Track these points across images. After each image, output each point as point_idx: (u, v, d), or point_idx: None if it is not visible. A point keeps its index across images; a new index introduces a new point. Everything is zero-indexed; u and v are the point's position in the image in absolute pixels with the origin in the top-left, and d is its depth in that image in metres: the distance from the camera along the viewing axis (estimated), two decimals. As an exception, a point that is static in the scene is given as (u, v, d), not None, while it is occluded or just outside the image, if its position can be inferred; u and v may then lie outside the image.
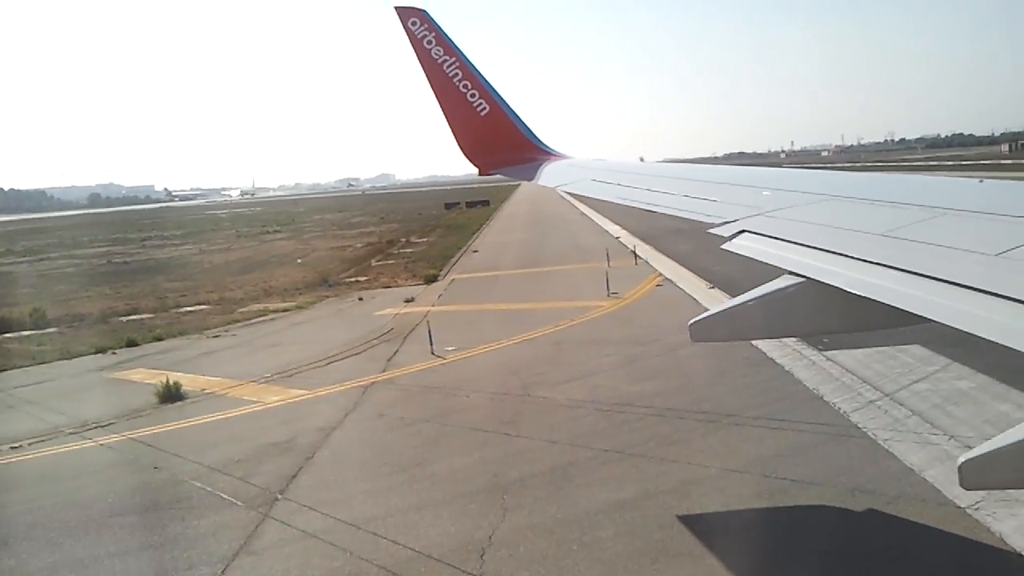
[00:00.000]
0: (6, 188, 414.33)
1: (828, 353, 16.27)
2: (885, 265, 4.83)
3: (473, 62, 12.21)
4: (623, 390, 15.90)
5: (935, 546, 9.00)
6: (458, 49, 12.09)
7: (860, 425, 12.61)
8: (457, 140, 12.48)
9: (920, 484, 10.30)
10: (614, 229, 50.48)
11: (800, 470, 11.09)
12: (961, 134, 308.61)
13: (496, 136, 12.46)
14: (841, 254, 5.29)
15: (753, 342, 16.41)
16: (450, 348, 20.91)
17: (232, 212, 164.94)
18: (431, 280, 36.41)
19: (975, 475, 3.41)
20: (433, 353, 20.36)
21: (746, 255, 6.14)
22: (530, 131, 13.05)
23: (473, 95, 12.15)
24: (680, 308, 23.01)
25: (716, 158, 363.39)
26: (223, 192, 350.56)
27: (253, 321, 28.96)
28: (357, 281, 38.39)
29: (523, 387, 16.71)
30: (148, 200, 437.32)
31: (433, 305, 28.78)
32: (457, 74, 12.05)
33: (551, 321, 23.33)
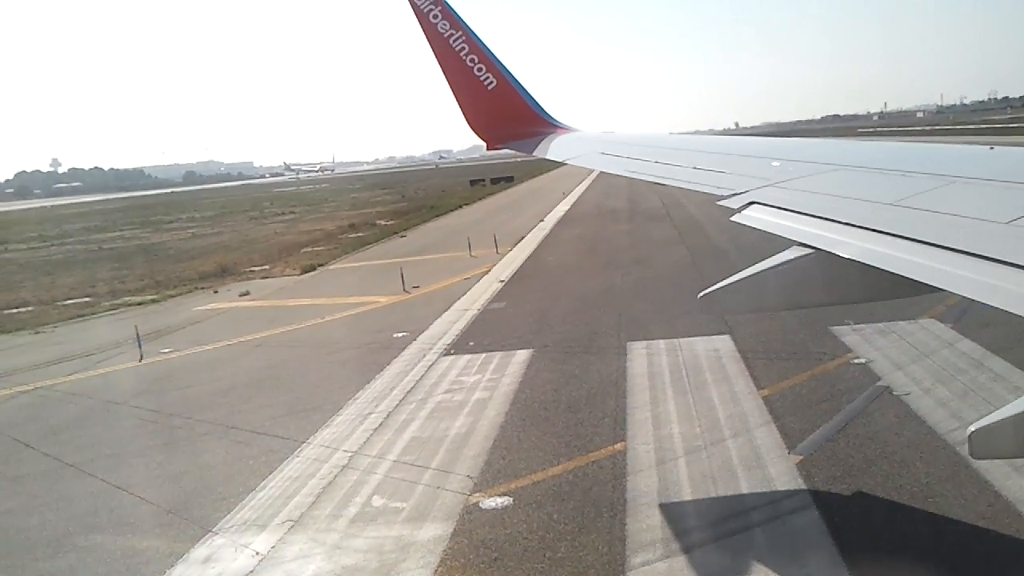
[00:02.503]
0: (106, 168, 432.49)
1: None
2: (895, 235, 4.81)
3: (480, 35, 12.04)
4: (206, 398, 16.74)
5: None
6: (464, 23, 11.93)
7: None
8: (464, 115, 12.37)
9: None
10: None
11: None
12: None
13: (504, 110, 12.35)
14: (851, 224, 5.28)
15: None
16: (165, 350, 22.05)
17: (289, 190, 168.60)
18: (308, 270, 37.45)
19: (984, 444, 3.43)
20: (141, 358, 21.39)
21: (755, 227, 6.09)
22: (538, 104, 12.90)
23: (480, 69, 12.07)
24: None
25: (813, 121, 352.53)
26: (303, 168, 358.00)
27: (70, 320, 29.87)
28: (252, 271, 39.59)
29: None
30: (240, 177, 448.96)
31: (262, 299, 29.79)
32: (464, 48, 11.94)
33: (320, 316, 24.35)
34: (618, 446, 11.78)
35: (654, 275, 26.00)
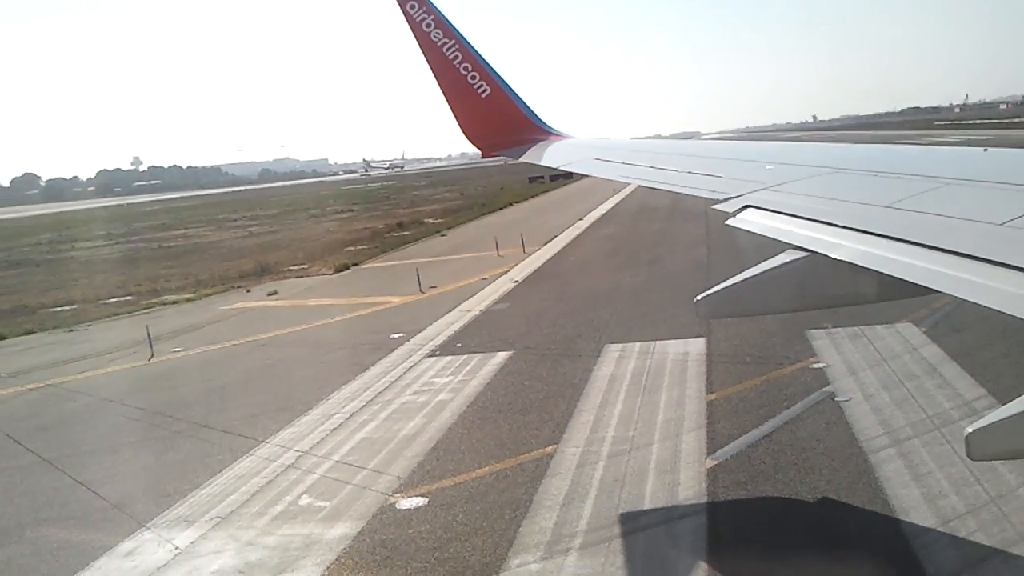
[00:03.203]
0: (184, 166, 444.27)
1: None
2: (890, 237, 4.81)
3: (473, 44, 12.15)
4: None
5: None
6: (457, 31, 11.99)
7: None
8: (459, 122, 12.45)
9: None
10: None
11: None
12: None
13: (498, 117, 12.40)
14: (845, 227, 5.28)
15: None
16: (176, 349, 23.01)
17: (357, 188, 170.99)
18: (341, 269, 38.35)
19: (982, 445, 3.41)
20: (151, 357, 22.34)
21: (751, 230, 6.10)
22: (532, 112, 12.97)
23: (474, 77, 12.09)
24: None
25: (892, 113, 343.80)
26: (373, 165, 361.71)
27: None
28: (291, 270, 40.64)
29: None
30: (315, 174, 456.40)
31: (286, 299, 30.69)
32: (457, 56, 11.98)
33: (331, 316, 24.99)
34: (549, 449, 12.08)
35: (663, 276, 26.06)
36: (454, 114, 12.36)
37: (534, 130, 12.94)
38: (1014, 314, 3.55)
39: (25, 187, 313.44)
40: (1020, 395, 3.32)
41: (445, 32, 11.91)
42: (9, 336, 27.94)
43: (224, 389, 17.59)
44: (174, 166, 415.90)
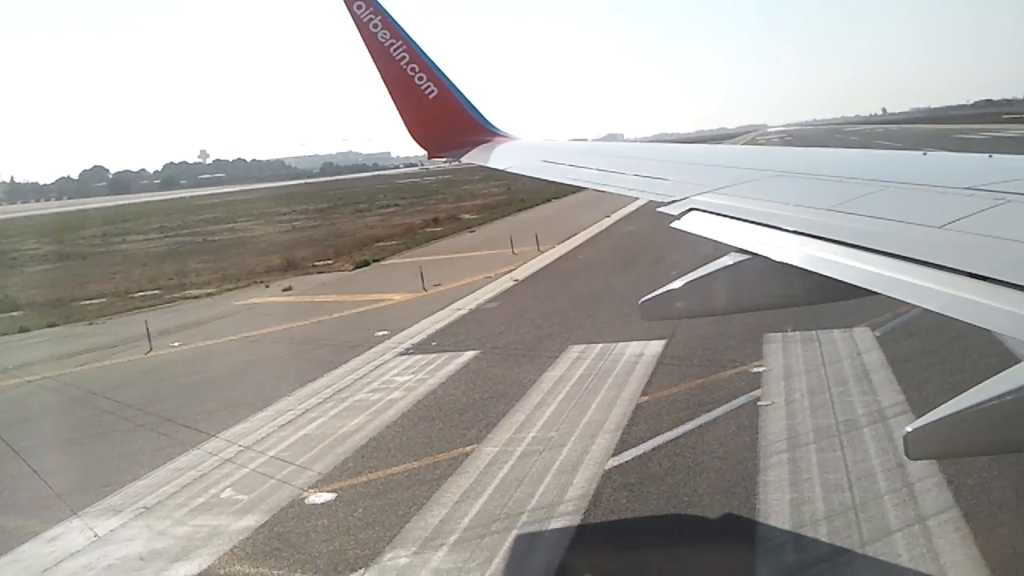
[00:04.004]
0: (248, 159, 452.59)
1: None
2: (830, 239, 4.86)
3: (420, 44, 12.18)
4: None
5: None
6: (404, 32, 12.00)
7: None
8: (406, 123, 12.49)
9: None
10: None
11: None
12: None
13: (445, 119, 12.43)
14: (787, 229, 5.35)
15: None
16: (175, 343, 23.98)
17: (411, 182, 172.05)
18: (361, 265, 39.21)
19: (920, 445, 3.42)
20: (149, 351, 23.32)
21: (695, 232, 6.18)
22: (479, 113, 13.06)
23: (421, 78, 12.10)
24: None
25: (964, 106, 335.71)
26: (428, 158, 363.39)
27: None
28: (315, 266, 41.63)
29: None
30: (375, 167, 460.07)
31: (297, 295, 31.53)
32: (404, 57, 11.97)
33: (330, 313, 25.86)
34: (468, 448, 12.55)
35: (662, 275, 26.17)
36: (400, 115, 12.43)
37: (481, 131, 13.03)
38: (950, 316, 3.62)
39: (94, 180, 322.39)
40: (944, 402, 3.39)
41: (392, 33, 11.93)
42: (32, 329, 29.17)
43: (200, 385, 18.38)
44: (239, 159, 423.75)
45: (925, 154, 7.30)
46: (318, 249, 49.06)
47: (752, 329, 16.95)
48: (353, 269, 37.87)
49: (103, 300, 35.55)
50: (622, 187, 8.80)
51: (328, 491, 11.50)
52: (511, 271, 30.38)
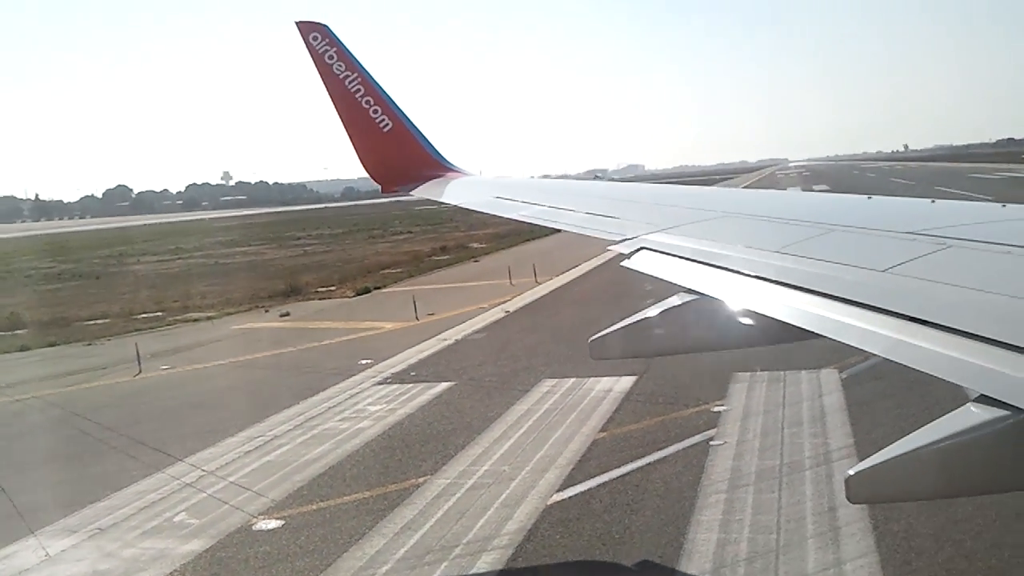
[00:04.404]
0: (271, 182, 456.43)
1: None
2: (776, 281, 4.92)
3: (376, 78, 12.24)
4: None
5: None
6: (360, 65, 12.08)
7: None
8: (359, 156, 12.53)
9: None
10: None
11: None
12: None
13: (399, 153, 12.51)
14: (734, 271, 5.41)
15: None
16: (164, 367, 24.38)
17: (428, 208, 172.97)
18: (362, 292, 39.64)
19: (862, 488, 3.42)
20: (137, 373, 23.74)
21: (645, 272, 6.20)
22: (433, 148, 13.13)
23: (376, 111, 12.14)
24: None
25: (986, 144, 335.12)
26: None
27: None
28: (318, 292, 42.11)
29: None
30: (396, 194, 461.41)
31: (293, 321, 31.93)
32: (359, 90, 12.02)
33: (320, 340, 26.18)
34: (422, 480, 12.79)
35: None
36: (354, 147, 12.50)
37: (435, 166, 13.11)
38: (892, 359, 3.66)
39: (117, 199, 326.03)
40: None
41: (348, 65, 12.00)
42: (32, 347, 29.68)
43: (178, 409, 18.72)
44: (261, 182, 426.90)
45: (870, 198, 7.37)
46: (324, 275, 49.59)
47: (723, 367, 17.09)
48: (354, 296, 38.20)
49: (106, 321, 36.00)
50: (573, 224, 8.84)
51: (277, 518, 11.74)
52: (505, 302, 30.63)
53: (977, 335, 3.65)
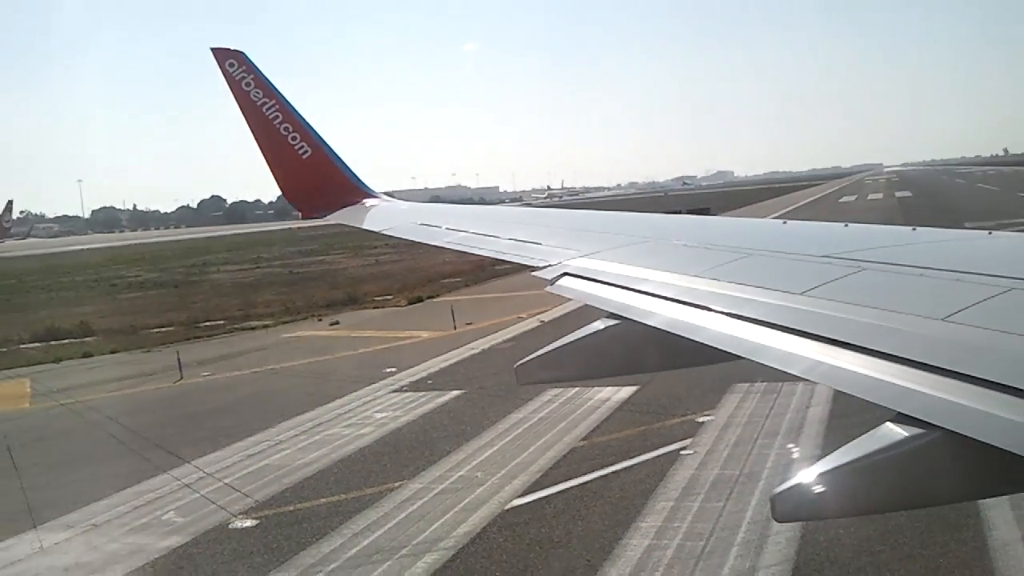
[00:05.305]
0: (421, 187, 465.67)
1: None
2: (697, 305, 5.05)
3: (294, 105, 12.26)
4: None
5: None
6: (278, 91, 12.10)
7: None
8: (279, 183, 12.63)
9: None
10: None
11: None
12: None
13: (318, 179, 12.53)
14: (655, 295, 5.53)
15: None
16: (205, 373, 25.59)
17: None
18: (414, 301, 40.61)
19: (786, 507, 3.34)
20: (178, 379, 24.96)
21: (569, 296, 6.36)
22: (353, 174, 13.17)
23: (294, 138, 12.12)
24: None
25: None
26: (530, 193, 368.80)
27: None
28: (374, 300, 43.28)
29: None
30: (481, 201, 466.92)
31: (341, 329, 32.96)
32: (277, 116, 12.04)
33: (356, 348, 27.04)
34: (397, 484, 13.40)
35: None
36: (273, 174, 12.57)
37: (354, 192, 13.10)
38: (809, 380, 3.82)
39: (211, 209, 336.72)
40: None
41: (265, 92, 11.97)
42: (95, 354, 31.32)
43: (202, 414, 19.73)
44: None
45: (785, 223, 7.69)
46: (386, 284, 50.71)
47: (724, 378, 17.25)
48: (406, 305, 39.07)
49: (170, 328, 37.60)
50: (496, 251, 8.92)
51: (253, 518, 12.46)
52: (543, 312, 30.98)
53: (891, 355, 3.64)
